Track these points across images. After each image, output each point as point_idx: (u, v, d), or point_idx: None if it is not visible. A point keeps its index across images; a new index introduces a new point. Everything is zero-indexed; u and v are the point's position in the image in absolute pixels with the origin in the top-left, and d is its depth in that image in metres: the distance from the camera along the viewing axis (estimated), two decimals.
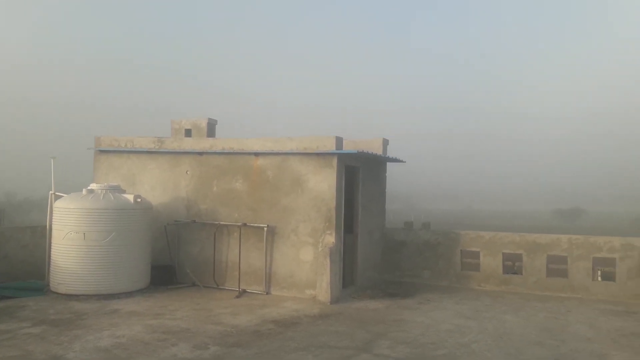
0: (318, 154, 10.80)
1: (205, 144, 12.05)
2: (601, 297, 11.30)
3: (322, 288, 10.42)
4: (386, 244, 13.52)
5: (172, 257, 11.99)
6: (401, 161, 13.63)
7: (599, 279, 11.71)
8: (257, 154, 11.40)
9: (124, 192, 11.17)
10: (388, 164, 13.89)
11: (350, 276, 11.83)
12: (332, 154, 10.70)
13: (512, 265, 12.15)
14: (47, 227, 11.29)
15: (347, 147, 12.08)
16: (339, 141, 10.84)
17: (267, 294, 11.08)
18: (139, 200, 10.82)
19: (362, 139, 13.31)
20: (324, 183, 10.74)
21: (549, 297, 11.50)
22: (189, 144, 12.20)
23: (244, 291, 11.15)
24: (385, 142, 13.41)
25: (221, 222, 11.57)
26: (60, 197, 11.10)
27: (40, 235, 11.80)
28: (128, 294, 10.46)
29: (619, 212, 67.09)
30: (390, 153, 13.53)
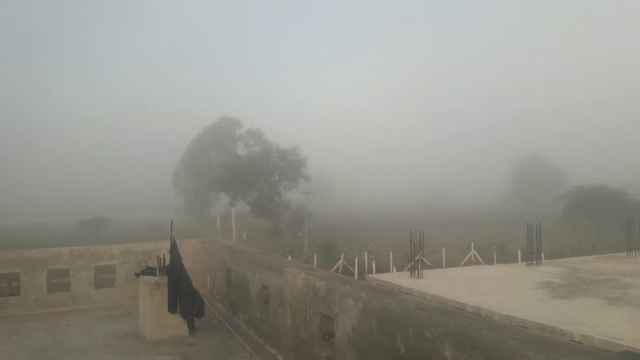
0: None
1: None
2: (103, 304, 11.72)
3: None
4: None
5: None
6: None
7: (115, 285, 12.02)
8: None
9: None
10: None
11: None
12: None
13: (8, 287, 10.98)
14: None
15: None
16: None
17: None
18: None
19: None
20: None
21: (50, 313, 11.03)
22: None
23: None
24: None
25: None
26: None
27: None
28: None
29: (139, 219, 72.50)
30: None
